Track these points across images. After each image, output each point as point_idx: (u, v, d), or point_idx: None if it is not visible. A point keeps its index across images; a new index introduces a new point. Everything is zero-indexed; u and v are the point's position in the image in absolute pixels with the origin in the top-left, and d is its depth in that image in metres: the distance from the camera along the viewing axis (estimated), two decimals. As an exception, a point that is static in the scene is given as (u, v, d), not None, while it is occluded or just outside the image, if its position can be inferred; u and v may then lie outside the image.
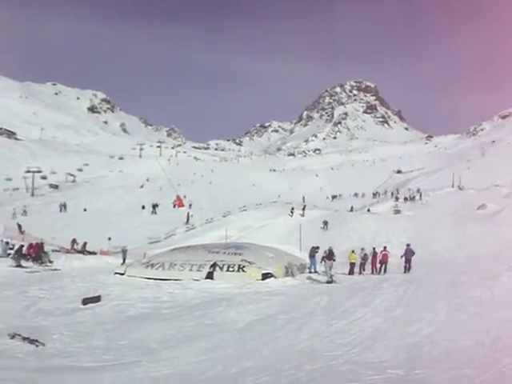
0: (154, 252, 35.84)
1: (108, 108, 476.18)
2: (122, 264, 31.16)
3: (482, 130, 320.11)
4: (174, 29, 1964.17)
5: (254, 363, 10.48)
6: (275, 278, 23.71)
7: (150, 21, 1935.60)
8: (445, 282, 19.82)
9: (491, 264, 28.78)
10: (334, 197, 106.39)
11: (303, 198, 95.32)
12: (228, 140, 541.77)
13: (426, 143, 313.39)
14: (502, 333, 12.34)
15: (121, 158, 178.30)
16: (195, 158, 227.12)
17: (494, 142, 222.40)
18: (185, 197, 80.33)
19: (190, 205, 75.36)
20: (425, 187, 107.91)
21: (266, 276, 23.62)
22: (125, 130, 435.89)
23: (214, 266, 24.38)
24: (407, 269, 28.91)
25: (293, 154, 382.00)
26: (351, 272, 28.76)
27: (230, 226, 50.94)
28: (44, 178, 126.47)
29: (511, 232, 43.75)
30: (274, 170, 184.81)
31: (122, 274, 25.53)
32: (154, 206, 71.38)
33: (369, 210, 70.89)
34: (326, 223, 52.90)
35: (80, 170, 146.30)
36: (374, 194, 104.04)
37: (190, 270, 24.55)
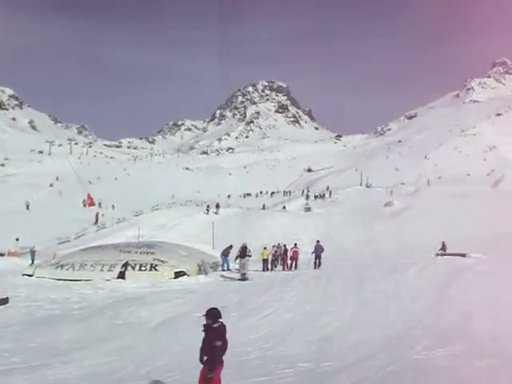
0: (63, 252, 34.98)
1: (16, 104, 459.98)
2: (31, 265, 30.29)
3: (388, 130, 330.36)
4: (83, 22, 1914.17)
5: (166, 362, 10.51)
6: (188, 276, 23.71)
7: (58, 15, 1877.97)
8: (353, 277, 20.40)
9: (397, 259, 29.82)
10: (247, 195, 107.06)
11: (228, 195, 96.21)
12: (141, 138, 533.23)
13: (336, 142, 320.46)
14: (408, 325, 12.91)
15: (40, 152, 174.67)
16: (107, 156, 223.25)
17: (400, 141, 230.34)
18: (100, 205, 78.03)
19: (100, 204, 73.85)
20: (334, 185, 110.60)
21: (178, 274, 23.59)
22: (34, 127, 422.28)
23: (125, 265, 24.09)
24: (317, 265, 29.51)
25: (206, 153, 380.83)
26: (264, 269, 29.10)
27: (142, 224, 50.25)
28: None
29: (417, 228, 45.48)
30: (188, 169, 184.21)
31: (31, 276, 24.83)
32: None
33: (284, 207, 71.92)
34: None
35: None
36: (285, 192, 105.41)
37: (101, 269, 24.15)
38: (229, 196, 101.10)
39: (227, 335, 7.53)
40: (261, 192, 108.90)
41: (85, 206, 71.81)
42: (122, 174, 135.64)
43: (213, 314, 7.54)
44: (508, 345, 10.91)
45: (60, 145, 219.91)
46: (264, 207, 74.37)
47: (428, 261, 24.36)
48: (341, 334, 12.15)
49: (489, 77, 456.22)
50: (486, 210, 50.43)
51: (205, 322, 7.60)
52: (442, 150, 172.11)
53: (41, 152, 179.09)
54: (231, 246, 28.59)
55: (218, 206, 64.51)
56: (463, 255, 26.57)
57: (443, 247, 36.36)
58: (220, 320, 7.56)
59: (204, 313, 7.49)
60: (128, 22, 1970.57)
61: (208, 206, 63.45)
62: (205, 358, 7.60)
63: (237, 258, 25.78)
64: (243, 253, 24.90)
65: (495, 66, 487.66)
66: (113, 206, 73.37)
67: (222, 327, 7.56)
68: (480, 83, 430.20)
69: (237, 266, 25.89)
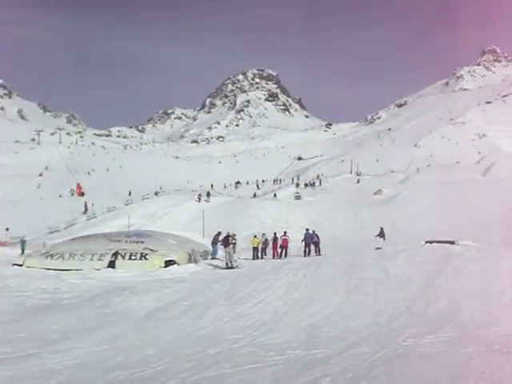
0: (53, 242, 34.94)
1: (5, 94, 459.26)
2: (21, 255, 30.28)
3: (378, 118, 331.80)
4: (72, 12, 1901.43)
5: (156, 350, 10.52)
6: (178, 265, 23.76)
7: (47, 4, 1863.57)
8: (342, 264, 20.43)
9: (386, 246, 29.93)
10: (237, 183, 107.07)
11: (211, 185, 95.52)
12: (130, 127, 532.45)
13: (326, 131, 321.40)
14: (397, 312, 12.98)
15: (32, 140, 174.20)
16: (99, 146, 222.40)
17: (389, 129, 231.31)
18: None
19: (83, 193, 73.62)
20: (324, 173, 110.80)
21: (168, 263, 23.64)
22: (22, 117, 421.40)
23: (115, 254, 24.10)
24: (307, 253, 29.62)
25: (196, 142, 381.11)
26: (254, 257, 29.20)
27: (132, 214, 50.24)
28: None
29: (405, 216, 45.69)
30: (178, 158, 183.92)
31: (21, 265, 24.87)
32: None
33: (275, 195, 71.93)
34: None
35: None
36: (275, 181, 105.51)
37: (91, 259, 24.17)
38: (212, 186, 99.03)
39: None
40: (252, 181, 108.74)
41: (72, 194, 71.77)
42: (112, 164, 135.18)
43: None
44: (495, 331, 11.01)
45: (52, 133, 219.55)
46: (254, 195, 74.49)
47: (417, 248, 24.42)
48: (330, 322, 12.21)
49: (478, 65, 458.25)
50: (475, 197, 50.67)
51: None
52: (431, 138, 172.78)
53: (33, 140, 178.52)
54: (219, 233, 28.67)
55: (208, 195, 64.64)
56: (452, 242, 26.66)
57: (381, 233, 36.50)
58: None
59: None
60: (117, 13, 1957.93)
61: (200, 195, 63.55)
62: None
63: (222, 245, 25.87)
64: (226, 242, 24.96)
65: (485, 54, 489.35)
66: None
67: None
68: (469, 71, 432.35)
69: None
